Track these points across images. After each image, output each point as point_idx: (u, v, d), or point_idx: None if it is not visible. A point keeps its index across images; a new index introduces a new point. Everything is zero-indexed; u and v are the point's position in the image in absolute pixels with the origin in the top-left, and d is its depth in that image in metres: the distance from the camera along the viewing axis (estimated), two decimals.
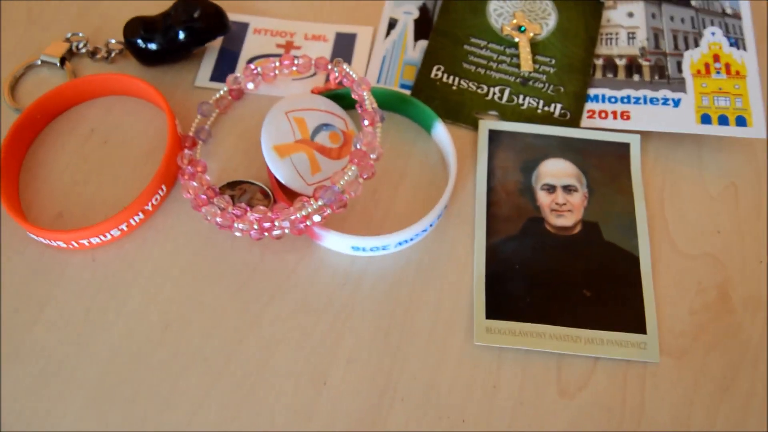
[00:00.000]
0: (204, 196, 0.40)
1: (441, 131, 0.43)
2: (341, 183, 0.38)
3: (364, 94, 0.41)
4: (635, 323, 0.39)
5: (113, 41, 0.47)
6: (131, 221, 0.40)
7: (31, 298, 0.39)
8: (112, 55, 0.47)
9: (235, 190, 0.42)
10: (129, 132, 0.45)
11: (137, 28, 0.45)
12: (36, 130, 0.45)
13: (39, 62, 0.47)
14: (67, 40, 0.48)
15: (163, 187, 0.42)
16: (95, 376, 0.37)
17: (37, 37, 0.49)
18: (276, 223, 0.38)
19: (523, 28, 0.48)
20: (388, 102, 0.45)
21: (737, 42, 0.47)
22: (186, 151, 0.42)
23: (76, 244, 0.40)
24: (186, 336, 0.38)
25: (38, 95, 0.45)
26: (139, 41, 0.45)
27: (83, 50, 0.48)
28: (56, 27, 0.49)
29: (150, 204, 0.41)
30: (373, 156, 0.39)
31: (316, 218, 0.38)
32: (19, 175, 0.43)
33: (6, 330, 0.38)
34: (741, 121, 0.44)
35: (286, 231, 0.38)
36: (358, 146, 0.39)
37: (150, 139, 0.45)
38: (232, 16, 0.49)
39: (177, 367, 0.37)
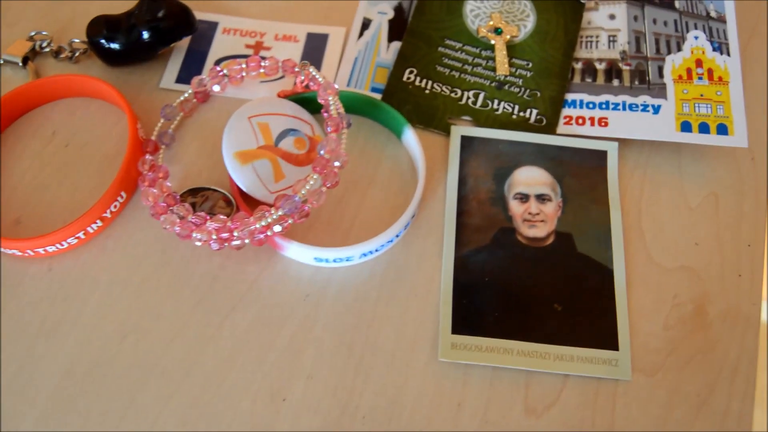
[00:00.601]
0: (164, 204, 0.39)
1: (411, 137, 0.41)
2: (302, 192, 0.37)
3: (330, 99, 0.39)
4: (607, 339, 0.38)
5: (77, 41, 0.46)
6: (89, 229, 0.39)
7: None
8: (77, 54, 0.46)
9: (197, 197, 0.41)
10: (91, 135, 0.44)
11: (100, 27, 0.44)
12: None
13: (1, 61, 0.46)
14: (31, 38, 0.47)
15: (123, 193, 0.40)
16: (49, 390, 0.36)
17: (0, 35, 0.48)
18: (235, 234, 0.37)
19: (499, 30, 0.46)
20: (357, 106, 0.43)
21: (721, 47, 0.45)
22: (147, 156, 0.41)
23: (32, 252, 0.39)
24: (143, 348, 0.37)
25: None
26: (103, 41, 0.44)
27: (47, 49, 0.46)
28: (22, 25, 0.48)
29: (108, 211, 0.40)
30: (337, 164, 0.38)
31: (277, 228, 0.37)
32: None
33: None
34: (722, 130, 0.42)
35: (246, 241, 0.37)
36: (322, 153, 0.38)
37: (113, 143, 0.43)
38: (201, 15, 0.48)
39: (133, 381, 0.36)
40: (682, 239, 0.41)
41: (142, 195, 0.39)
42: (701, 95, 0.43)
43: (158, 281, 0.39)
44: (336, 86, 0.40)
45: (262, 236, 0.37)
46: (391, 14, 0.48)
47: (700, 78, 0.44)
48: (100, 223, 0.40)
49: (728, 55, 0.45)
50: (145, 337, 0.37)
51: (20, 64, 0.45)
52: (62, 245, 0.39)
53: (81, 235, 0.39)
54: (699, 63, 0.45)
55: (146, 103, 0.45)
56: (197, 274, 0.39)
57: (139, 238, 0.40)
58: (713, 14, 0.47)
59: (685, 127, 0.43)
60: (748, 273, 0.40)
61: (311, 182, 0.37)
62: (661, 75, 0.45)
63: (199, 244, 0.38)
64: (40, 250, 0.39)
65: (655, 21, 0.47)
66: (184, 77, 0.45)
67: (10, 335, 0.37)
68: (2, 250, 0.39)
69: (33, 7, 0.49)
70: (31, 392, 0.36)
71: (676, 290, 0.40)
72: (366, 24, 0.47)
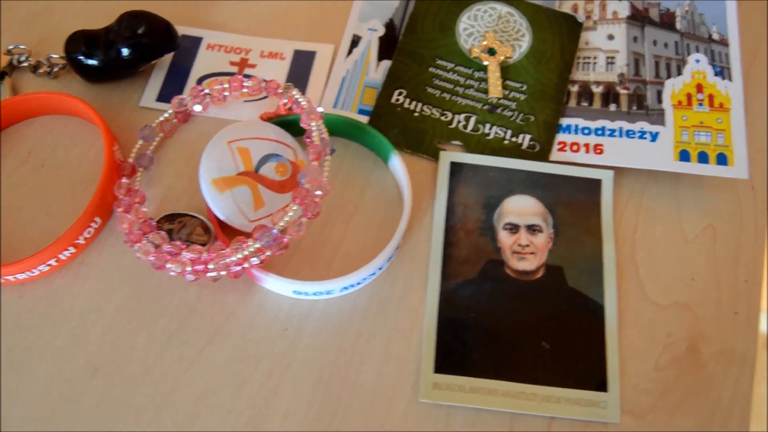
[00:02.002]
0: (139, 231, 0.37)
1: (397, 164, 0.40)
2: (281, 224, 0.35)
3: (313, 124, 0.38)
4: (596, 380, 0.36)
5: (55, 56, 0.44)
6: (61, 256, 0.38)
7: None
8: (55, 69, 0.44)
9: (175, 223, 0.39)
10: (68, 155, 0.42)
11: (79, 43, 0.42)
12: None
13: None
14: (9, 52, 0.45)
15: (97, 219, 0.39)
16: (14, 424, 0.34)
17: None
18: (210, 266, 0.35)
19: (493, 51, 0.44)
20: (343, 129, 0.42)
21: (723, 71, 0.43)
22: (124, 179, 0.39)
23: (2, 279, 0.37)
24: (115, 383, 0.36)
25: None
26: (81, 57, 0.42)
27: (25, 64, 0.45)
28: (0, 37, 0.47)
29: (82, 237, 0.38)
30: (318, 193, 0.36)
31: (255, 261, 0.35)
32: None
33: None
34: (722, 159, 0.40)
35: (222, 273, 0.36)
36: (302, 183, 0.36)
37: (90, 163, 0.42)
38: (185, 30, 0.46)
39: (103, 419, 0.35)
40: (678, 274, 0.40)
41: (117, 221, 0.38)
42: (701, 122, 0.42)
43: (132, 311, 0.38)
44: (320, 110, 0.39)
45: (238, 268, 0.36)
46: (381, 31, 0.46)
47: (701, 104, 0.42)
48: (73, 250, 0.38)
49: (730, 80, 0.43)
50: (117, 372, 0.36)
51: None
52: (33, 272, 0.38)
53: (53, 262, 0.38)
54: (700, 88, 0.43)
55: (126, 122, 0.43)
56: (173, 305, 0.38)
57: (114, 266, 0.39)
58: (715, 36, 0.45)
59: (684, 156, 0.41)
60: (745, 310, 0.39)
61: (290, 213, 0.36)
62: (659, 100, 0.43)
63: (173, 274, 0.36)
64: (10, 278, 0.37)
65: (655, 42, 0.45)
66: (165, 95, 0.44)
67: None
68: None
69: (11, 20, 0.47)
70: None
71: (669, 328, 0.38)
72: (355, 41, 0.46)
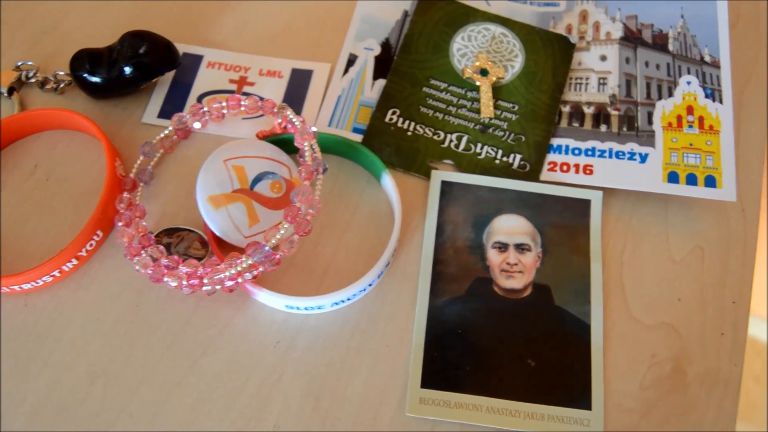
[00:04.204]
0: (138, 245, 0.39)
1: (389, 183, 0.41)
2: (273, 241, 0.36)
3: (306, 144, 0.39)
4: (580, 397, 0.37)
5: (62, 73, 0.46)
6: (64, 267, 0.39)
7: None
8: (62, 86, 0.46)
9: (173, 237, 0.41)
10: (72, 169, 0.44)
11: (83, 61, 0.44)
12: None
13: None
14: (17, 68, 0.47)
15: (99, 232, 0.40)
16: (19, 427, 0.36)
17: None
18: (205, 280, 0.37)
19: (485, 72, 0.45)
20: (337, 148, 0.43)
21: (713, 93, 0.44)
22: (125, 194, 0.41)
23: (7, 289, 0.39)
24: (112, 392, 0.37)
25: None
26: (85, 75, 0.44)
27: (33, 80, 0.46)
28: (9, 54, 0.48)
29: (84, 250, 0.40)
30: (310, 211, 0.37)
31: (248, 276, 0.37)
32: None
33: None
34: (710, 182, 0.41)
35: (217, 287, 0.37)
36: (294, 202, 0.37)
37: (93, 178, 0.43)
38: (187, 48, 0.48)
39: (101, 424, 0.36)
40: (664, 294, 0.40)
41: (117, 234, 0.39)
42: (690, 144, 0.42)
43: (131, 322, 0.39)
44: (314, 130, 0.40)
45: (232, 283, 0.37)
46: (377, 50, 0.47)
47: (690, 126, 0.43)
48: (75, 262, 0.40)
49: (721, 102, 0.43)
50: (115, 380, 0.37)
51: (5, 94, 0.46)
52: (38, 283, 0.39)
53: (56, 273, 0.39)
54: (690, 110, 0.44)
55: (128, 138, 0.45)
56: (170, 316, 0.39)
57: (115, 277, 0.40)
58: (707, 59, 0.45)
59: (672, 177, 0.41)
60: (731, 332, 0.39)
61: (282, 231, 0.37)
62: (650, 121, 0.44)
63: (171, 287, 0.37)
64: (15, 287, 0.39)
65: (647, 64, 0.46)
66: (167, 111, 0.45)
67: None
68: None
69: (20, 37, 0.49)
70: None
71: (654, 348, 0.39)
72: (352, 60, 0.47)
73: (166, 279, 0.37)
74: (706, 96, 0.44)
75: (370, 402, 0.37)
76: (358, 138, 0.44)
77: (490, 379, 0.37)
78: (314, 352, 0.38)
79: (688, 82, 0.44)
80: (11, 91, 0.46)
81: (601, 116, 0.44)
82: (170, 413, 0.36)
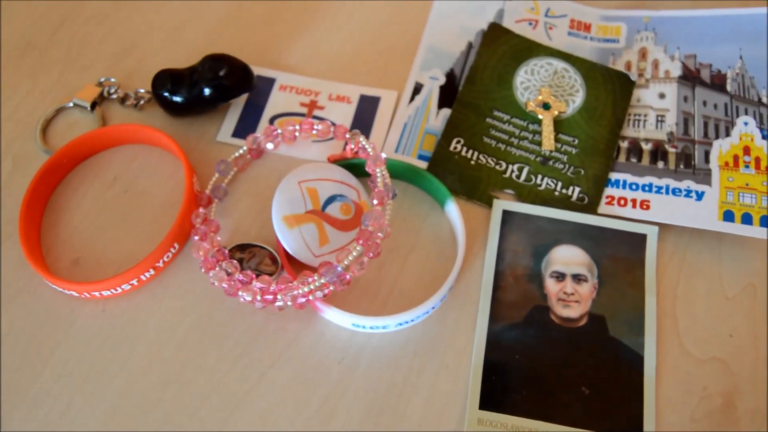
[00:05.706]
0: (213, 258, 0.41)
1: (453, 210, 0.43)
2: (345, 262, 0.38)
3: (377, 170, 0.41)
4: (632, 426, 0.38)
5: (142, 90, 0.48)
6: (142, 277, 0.42)
7: (43, 343, 0.40)
8: (141, 102, 0.49)
9: (245, 252, 0.43)
10: (149, 183, 0.46)
11: (165, 81, 0.46)
12: (62, 174, 0.46)
13: (71, 104, 0.49)
14: (100, 84, 0.49)
15: (176, 244, 0.42)
16: (95, 427, 0.38)
17: (73, 79, 0.50)
18: (278, 296, 0.39)
19: (548, 106, 0.47)
20: (404, 174, 0.45)
21: None
22: (200, 209, 0.43)
23: (88, 295, 0.41)
24: (184, 397, 0.39)
25: (68, 137, 0.46)
26: (166, 94, 0.46)
27: (114, 96, 0.49)
28: (93, 70, 0.51)
29: (161, 261, 0.42)
30: (380, 235, 0.39)
31: (319, 294, 0.38)
32: (42, 218, 0.45)
33: (14, 373, 0.39)
34: (765, 222, 0.42)
35: (289, 303, 0.39)
36: (366, 225, 0.39)
37: (168, 192, 0.46)
38: (260, 70, 0.50)
39: (172, 428, 0.38)
40: (717, 330, 0.41)
41: (193, 248, 0.41)
42: (746, 184, 0.44)
43: (203, 332, 0.41)
44: (384, 156, 0.42)
45: (303, 300, 0.39)
46: (442, 80, 0.49)
47: (747, 166, 0.44)
48: (152, 272, 0.42)
49: None
50: (186, 387, 0.39)
51: (89, 108, 0.48)
52: (116, 290, 0.41)
53: (134, 281, 0.41)
54: (747, 150, 0.45)
55: (203, 155, 0.47)
56: (241, 328, 0.41)
57: (188, 288, 0.42)
58: (765, 100, 0.47)
59: (728, 216, 0.43)
60: None
61: (354, 252, 0.39)
62: (707, 160, 0.45)
63: (244, 301, 0.39)
64: (96, 294, 0.41)
65: (705, 103, 0.47)
66: (240, 131, 0.47)
67: (62, 373, 0.39)
68: (61, 289, 0.41)
69: (103, 54, 0.52)
70: (77, 429, 0.38)
71: (705, 382, 0.40)
72: (417, 89, 0.49)
73: (240, 293, 0.39)
74: (763, 137, 0.45)
75: (430, 421, 0.38)
76: (422, 165, 0.45)
77: (545, 404, 0.39)
78: (377, 370, 0.40)
79: (746, 123, 0.46)
80: (93, 105, 0.49)
81: (658, 153, 0.46)
82: (238, 422, 0.38)
